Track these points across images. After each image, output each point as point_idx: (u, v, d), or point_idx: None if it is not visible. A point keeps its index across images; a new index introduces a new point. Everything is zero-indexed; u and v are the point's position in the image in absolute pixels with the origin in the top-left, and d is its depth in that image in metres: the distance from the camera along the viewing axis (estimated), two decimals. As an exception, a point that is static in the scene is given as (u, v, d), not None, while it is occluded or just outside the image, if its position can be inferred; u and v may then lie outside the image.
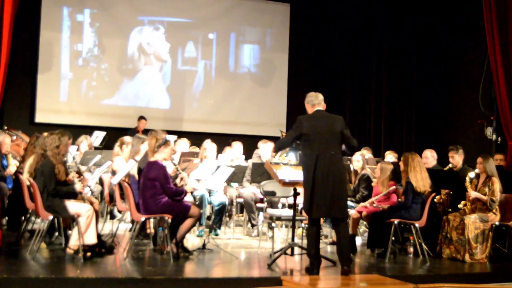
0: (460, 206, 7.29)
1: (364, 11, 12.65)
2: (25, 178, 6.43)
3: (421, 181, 6.78)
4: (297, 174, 6.32)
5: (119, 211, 7.86)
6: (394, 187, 7.33)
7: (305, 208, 5.76)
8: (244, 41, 13.37)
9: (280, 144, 6.17)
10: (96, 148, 10.18)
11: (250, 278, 5.67)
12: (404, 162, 6.93)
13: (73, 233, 6.06)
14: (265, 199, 7.82)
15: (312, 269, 5.72)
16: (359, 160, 8.30)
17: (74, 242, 6.00)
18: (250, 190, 8.09)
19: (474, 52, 10.35)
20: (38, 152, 6.15)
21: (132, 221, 6.81)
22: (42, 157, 6.06)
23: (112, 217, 8.38)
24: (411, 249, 7.06)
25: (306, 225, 6.06)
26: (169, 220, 6.14)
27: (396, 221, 6.77)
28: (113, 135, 10.30)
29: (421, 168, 6.87)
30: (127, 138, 7.48)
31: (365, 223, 7.83)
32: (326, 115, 5.92)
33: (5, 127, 9.50)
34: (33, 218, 6.97)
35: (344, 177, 5.92)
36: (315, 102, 5.93)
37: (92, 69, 12.21)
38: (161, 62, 12.73)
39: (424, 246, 6.87)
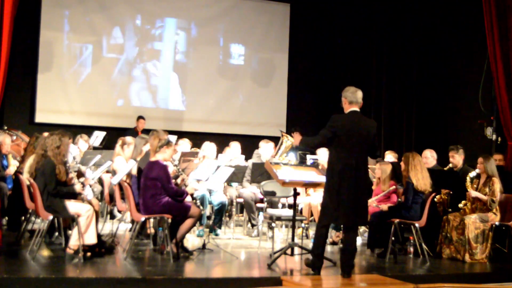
0: (460, 205, 7.29)
1: (364, 11, 12.65)
2: (25, 178, 6.43)
3: (421, 180, 6.79)
4: (297, 174, 6.32)
5: (119, 211, 7.86)
6: (394, 187, 7.33)
7: (329, 213, 5.59)
8: (244, 41, 13.36)
9: (310, 144, 5.83)
10: (96, 148, 10.18)
11: (250, 278, 5.67)
12: (405, 161, 6.95)
13: (73, 233, 6.05)
14: (265, 199, 7.82)
15: (314, 268, 5.72)
16: None
17: (74, 242, 6.00)
18: (250, 190, 8.09)
19: (474, 52, 10.36)
20: (38, 152, 6.14)
21: (132, 221, 6.81)
22: (43, 157, 6.05)
23: (112, 217, 8.38)
24: (411, 249, 7.07)
25: (311, 225, 6.03)
26: (169, 220, 6.14)
27: (396, 221, 6.78)
28: (113, 135, 10.30)
29: (421, 167, 6.88)
30: (128, 139, 7.48)
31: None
32: (361, 118, 5.63)
33: (5, 127, 9.50)
34: (33, 218, 6.96)
35: (367, 186, 5.84)
36: (352, 100, 5.61)
37: (92, 69, 12.19)
38: (161, 62, 12.72)
39: (424, 246, 6.87)
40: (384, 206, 7.06)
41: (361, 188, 5.57)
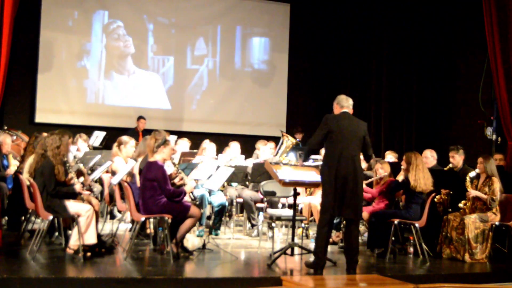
0: (460, 205, 7.29)
1: (364, 11, 12.65)
2: (25, 178, 6.42)
3: (422, 180, 6.79)
4: (297, 174, 6.32)
5: (119, 211, 7.86)
6: (391, 178, 7.33)
7: (327, 208, 5.77)
8: (243, 41, 13.35)
9: (310, 145, 6.17)
10: (96, 148, 10.18)
11: (250, 278, 5.68)
12: (406, 160, 6.94)
13: (73, 233, 6.05)
14: (265, 199, 7.82)
15: (316, 268, 5.76)
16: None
17: (74, 242, 6.00)
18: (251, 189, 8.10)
19: (474, 52, 10.36)
20: (38, 152, 6.14)
21: (132, 221, 6.81)
22: (42, 157, 6.05)
23: (112, 217, 8.38)
24: (411, 249, 7.07)
25: (311, 225, 6.08)
26: (169, 220, 6.14)
27: (396, 221, 6.78)
28: (113, 135, 10.29)
29: (423, 167, 6.89)
30: (125, 138, 7.46)
31: (365, 223, 7.83)
32: (352, 117, 6.01)
33: (5, 127, 9.50)
34: (33, 218, 6.97)
35: (361, 179, 6.00)
36: (344, 104, 6.04)
37: (92, 69, 12.19)
38: (161, 62, 12.72)
39: (424, 246, 6.87)
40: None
41: (354, 182, 5.73)
